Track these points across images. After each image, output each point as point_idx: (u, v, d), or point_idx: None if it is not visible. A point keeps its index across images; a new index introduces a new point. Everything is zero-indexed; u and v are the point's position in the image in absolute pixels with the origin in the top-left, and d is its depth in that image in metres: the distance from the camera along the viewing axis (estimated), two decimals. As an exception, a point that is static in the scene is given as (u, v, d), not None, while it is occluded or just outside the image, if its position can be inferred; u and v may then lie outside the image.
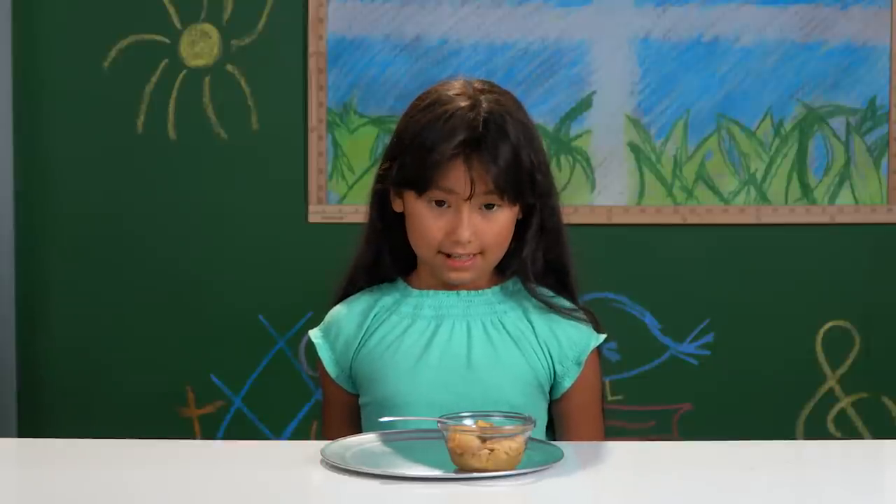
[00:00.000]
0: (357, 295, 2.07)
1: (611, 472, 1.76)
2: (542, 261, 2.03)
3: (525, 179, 1.97)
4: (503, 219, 1.98)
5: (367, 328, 2.03)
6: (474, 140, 1.94)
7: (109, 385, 3.05)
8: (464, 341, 1.99)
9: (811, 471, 1.80)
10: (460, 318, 2.01)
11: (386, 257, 2.05)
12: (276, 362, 3.05)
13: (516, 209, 2.00)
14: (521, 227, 2.03)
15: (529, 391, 1.99)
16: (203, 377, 3.06)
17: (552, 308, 2.02)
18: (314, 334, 2.08)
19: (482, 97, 1.98)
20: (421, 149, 1.96)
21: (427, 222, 1.97)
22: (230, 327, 3.04)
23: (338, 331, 2.05)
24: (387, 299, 2.05)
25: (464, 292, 2.02)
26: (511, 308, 2.02)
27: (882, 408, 3.08)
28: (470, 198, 1.95)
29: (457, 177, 1.95)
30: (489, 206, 1.97)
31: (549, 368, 2.00)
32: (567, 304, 2.04)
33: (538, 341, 2.00)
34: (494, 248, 1.99)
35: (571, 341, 2.01)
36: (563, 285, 2.05)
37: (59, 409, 3.06)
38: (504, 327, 2.00)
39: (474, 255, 1.98)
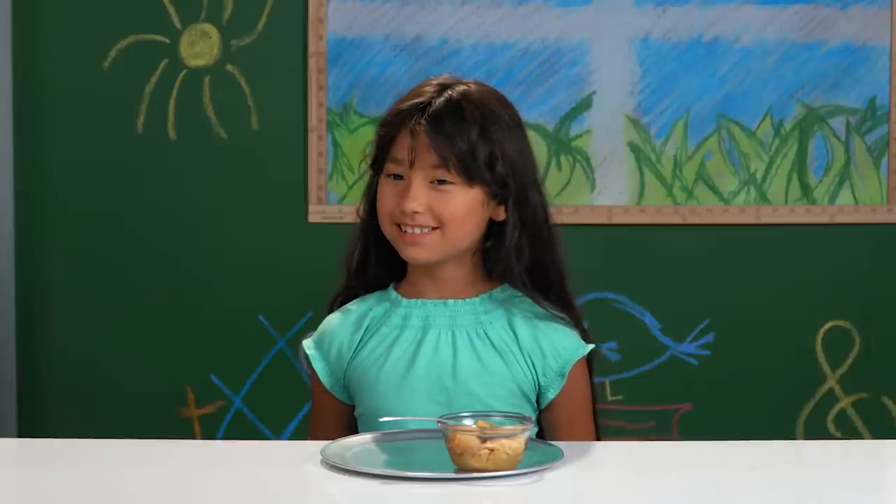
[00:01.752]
0: (350, 305, 2.07)
1: (611, 472, 1.76)
2: (527, 261, 2.02)
3: (479, 160, 1.96)
4: (459, 198, 1.97)
5: (360, 339, 2.03)
6: (423, 111, 1.97)
7: (109, 385, 3.05)
8: (449, 351, 1.98)
9: (811, 471, 1.80)
10: (446, 327, 2.00)
11: (371, 254, 2.05)
12: (276, 362, 3.05)
13: (477, 193, 1.97)
14: (503, 228, 2.02)
15: (514, 401, 1.98)
16: (203, 377, 3.06)
17: (539, 316, 2.01)
18: (308, 345, 2.07)
19: (460, 84, 2.01)
20: (383, 122, 2.02)
21: (383, 195, 2.00)
22: (230, 327, 3.04)
23: (331, 342, 2.05)
24: (378, 310, 2.04)
25: (451, 301, 2.01)
26: (496, 318, 2.01)
27: (882, 408, 3.08)
28: (412, 166, 1.96)
29: (402, 145, 1.97)
30: (441, 182, 1.96)
31: (533, 379, 1.99)
32: (554, 311, 2.03)
33: (522, 352, 1.99)
34: (451, 225, 1.97)
35: (556, 352, 1.99)
36: (551, 287, 2.04)
37: (59, 409, 3.06)
38: (488, 337, 1.99)
39: (431, 230, 1.97)
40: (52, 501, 1.62)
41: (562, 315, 2.02)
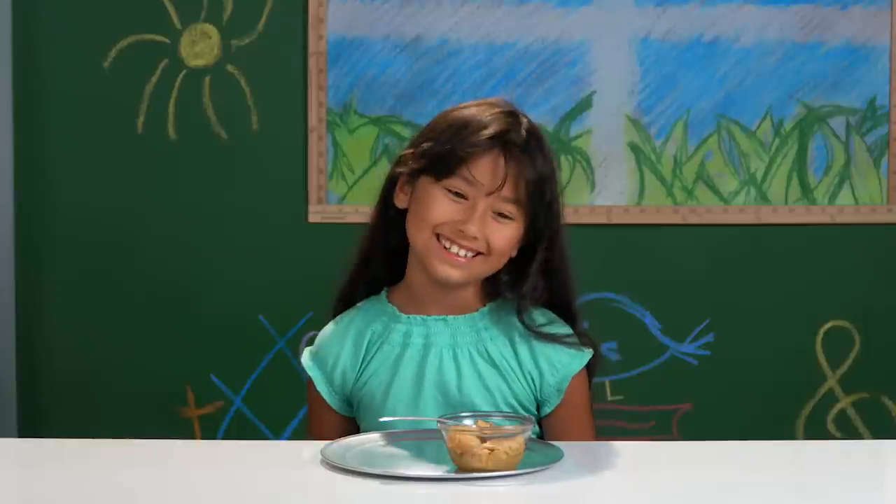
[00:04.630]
0: (347, 317, 2.05)
1: (611, 472, 1.76)
2: (545, 299, 2.01)
3: (545, 203, 1.96)
4: (512, 232, 1.96)
5: (363, 359, 2.01)
6: (517, 139, 1.93)
7: (109, 385, 3.05)
8: (453, 372, 1.97)
9: (811, 471, 1.80)
10: (447, 346, 1.99)
11: (379, 254, 2.04)
12: (276, 362, 3.05)
13: (522, 227, 1.97)
14: (522, 260, 2.01)
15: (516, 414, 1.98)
16: (203, 377, 3.06)
17: (541, 336, 1.99)
18: (307, 364, 2.05)
19: (521, 114, 1.98)
20: (459, 134, 1.93)
21: (437, 203, 1.94)
22: (230, 327, 3.04)
23: (334, 362, 2.03)
24: (377, 325, 2.02)
25: (451, 318, 2.00)
26: (497, 334, 2.00)
27: (882, 408, 3.08)
28: (493, 193, 1.92)
29: (490, 168, 1.92)
30: (501, 215, 1.95)
31: (533, 394, 1.99)
32: (557, 329, 2.01)
33: (521, 370, 1.99)
34: (499, 255, 1.96)
35: (553, 369, 1.99)
36: (564, 320, 2.03)
37: (59, 409, 3.06)
38: (489, 355, 1.98)
39: (475, 255, 1.96)
40: (52, 501, 1.62)
41: (567, 335, 2.01)
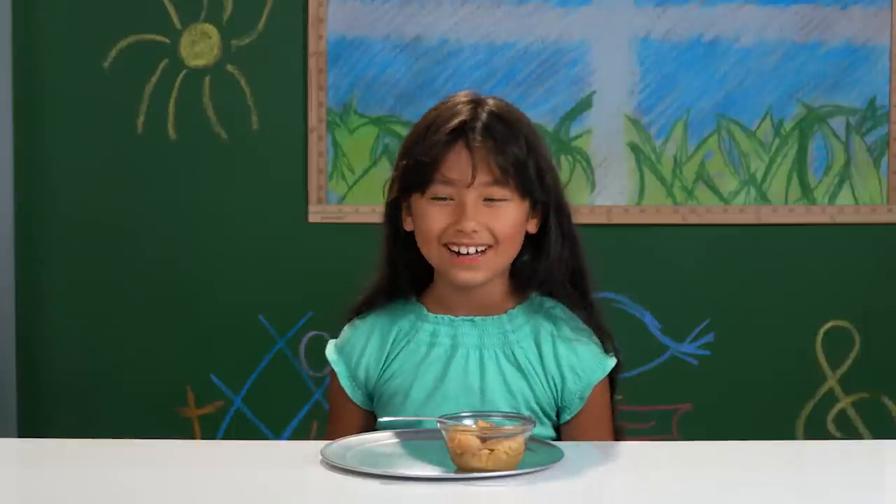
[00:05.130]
0: (374, 314, 2.05)
1: (611, 472, 1.76)
2: (569, 272, 2.02)
3: (533, 174, 1.96)
4: (512, 213, 1.95)
5: (388, 355, 2.02)
6: (477, 124, 1.94)
7: (109, 385, 3.05)
8: (477, 373, 1.97)
9: (811, 471, 1.80)
10: (474, 347, 1.99)
11: (404, 278, 2.04)
12: (276, 362, 3.05)
13: (525, 206, 1.98)
14: (538, 240, 2.01)
15: (538, 420, 1.98)
16: (203, 377, 3.06)
17: (563, 335, 2.00)
18: (332, 358, 2.05)
19: (488, 98, 2.00)
20: (422, 141, 1.96)
21: (429, 215, 1.95)
22: (230, 327, 3.04)
23: (359, 358, 2.03)
24: (404, 323, 2.02)
25: (478, 319, 2.00)
26: (523, 336, 2.00)
27: (882, 408, 3.08)
28: (472, 184, 1.92)
29: (457, 162, 1.93)
30: (493, 200, 1.94)
31: (555, 400, 1.99)
32: (585, 336, 2.02)
33: (545, 375, 1.99)
34: (506, 241, 1.95)
35: (576, 377, 1.99)
36: (585, 295, 2.04)
37: (59, 409, 3.06)
38: (515, 358, 1.98)
39: (484, 250, 1.95)
40: (52, 501, 1.62)
41: (589, 329, 2.01)
